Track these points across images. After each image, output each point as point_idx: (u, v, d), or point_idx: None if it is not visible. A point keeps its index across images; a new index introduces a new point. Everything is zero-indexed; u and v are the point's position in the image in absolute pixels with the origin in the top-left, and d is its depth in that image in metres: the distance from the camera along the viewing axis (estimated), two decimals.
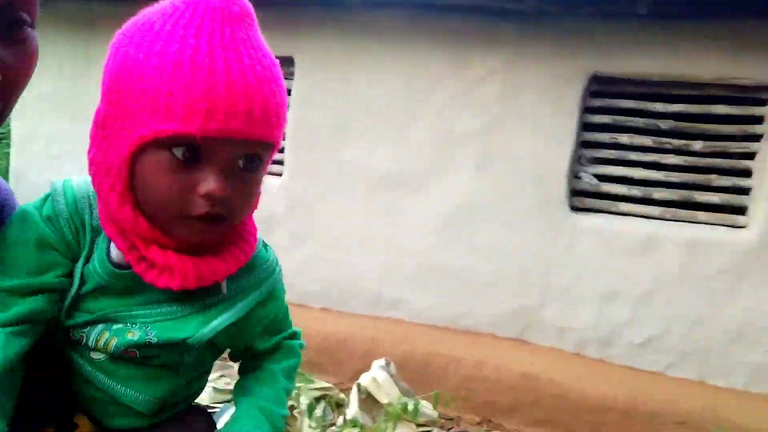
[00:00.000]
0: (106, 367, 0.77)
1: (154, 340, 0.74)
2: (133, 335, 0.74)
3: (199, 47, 0.63)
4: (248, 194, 0.72)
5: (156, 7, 0.68)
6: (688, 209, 3.39)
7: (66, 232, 0.72)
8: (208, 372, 0.94)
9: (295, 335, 0.96)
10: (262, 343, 0.90)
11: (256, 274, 0.83)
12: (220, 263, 0.74)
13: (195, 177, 0.65)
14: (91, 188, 0.74)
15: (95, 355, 0.76)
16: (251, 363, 0.92)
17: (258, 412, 0.82)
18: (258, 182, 0.74)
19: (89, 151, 0.72)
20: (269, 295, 0.84)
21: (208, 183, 0.65)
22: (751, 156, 3.29)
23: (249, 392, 0.86)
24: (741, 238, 3.26)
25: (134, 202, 0.68)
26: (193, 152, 0.65)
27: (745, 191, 3.31)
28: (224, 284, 0.77)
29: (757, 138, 3.28)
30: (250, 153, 0.69)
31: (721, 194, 3.34)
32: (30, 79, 0.70)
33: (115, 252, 0.72)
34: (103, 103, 0.70)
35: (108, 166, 0.68)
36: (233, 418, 0.83)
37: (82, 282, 0.73)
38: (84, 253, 0.73)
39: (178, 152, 0.64)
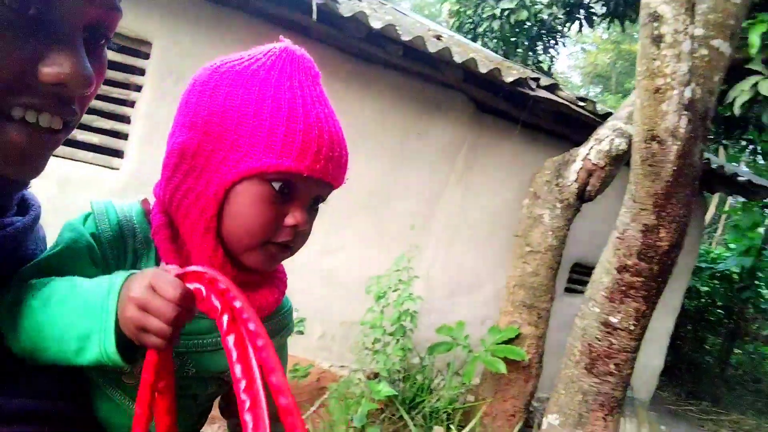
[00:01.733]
0: (134, 395, 0.64)
1: (192, 371, 0.74)
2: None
3: (305, 98, 0.70)
4: (311, 229, 0.76)
5: (250, 53, 0.73)
6: (69, 147, 3.54)
7: (108, 252, 0.71)
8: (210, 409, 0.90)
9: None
10: None
11: (281, 316, 0.86)
12: (265, 299, 0.77)
13: (285, 209, 0.70)
14: (133, 212, 0.75)
15: (127, 380, 0.71)
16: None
17: None
18: (313, 221, 0.77)
19: (168, 180, 0.72)
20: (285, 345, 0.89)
21: (296, 216, 0.71)
22: (131, 104, 3.67)
23: None
24: (114, 178, 3.63)
25: (216, 231, 0.70)
26: (289, 187, 0.70)
27: (123, 136, 3.68)
28: (263, 320, 0.70)
29: (138, 88, 3.66)
30: (324, 193, 0.76)
31: (101, 135, 3.62)
32: None
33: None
34: (192, 134, 0.70)
35: (198, 194, 0.70)
36: None
37: None
38: (126, 267, 0.70)
39: (277, 186, 0.69)
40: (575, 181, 3.60)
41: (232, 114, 0.68)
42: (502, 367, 3.43)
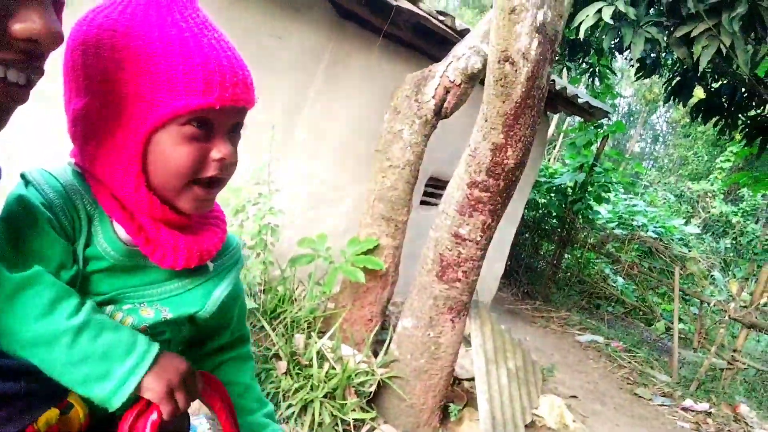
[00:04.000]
0: None
1: (170, 315, 0.76)
2: (148, 313, 0.75)
3: (191, 29, 0.67)
4: (237, 157, 0.76)
5: (114, 1, 0.68)
6: None
7: (63, 221, 0.68)
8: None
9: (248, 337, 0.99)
10: (227, 336, 0.95)
11: (230, 252, 0.87)
12: (210, 241, 0.78)
13: (207, 145, 0.70)
14: (71, 175, 0.72)
15: None
16: (215, 357, 0.95)
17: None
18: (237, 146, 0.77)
19: (83, 147, 0.71)
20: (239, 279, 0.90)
21: (221, 149, 0.71)
22: None
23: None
24: None
25: (146, 181, 0.69)
26: (206, 123, 0.69)
27: None
28: (210, 262, 0.81)
29: None
30: (240, 120, 0.76)
31: None
32: None
33: (121, 232, 0.72)
34: (90, 98, 0.68)
35: (117, 155, 0.68)
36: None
37: (85, 265, 0.71)
38: (82, 239, 0.70)
39: (195, 125, 0.68)
40: (433, 97, 3.69)
41: (127, 66, 0.65)
42: (361, 277, 3.57)
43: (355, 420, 3.15)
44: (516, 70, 2.71)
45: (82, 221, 0.71)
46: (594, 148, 9.08)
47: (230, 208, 3.55)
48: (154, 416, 0.70)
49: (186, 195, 0.72)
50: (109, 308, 0.73)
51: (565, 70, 7.89)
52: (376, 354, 3.62)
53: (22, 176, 0.71)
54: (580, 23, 3.98)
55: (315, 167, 4.47)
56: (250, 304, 3.21)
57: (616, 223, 10.13)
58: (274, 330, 3.48)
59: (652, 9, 4.39)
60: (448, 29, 4.20)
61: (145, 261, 0.74)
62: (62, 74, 0.72)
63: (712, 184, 16.55)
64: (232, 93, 0.69)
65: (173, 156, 0.68)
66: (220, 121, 0.71)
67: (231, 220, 3.58)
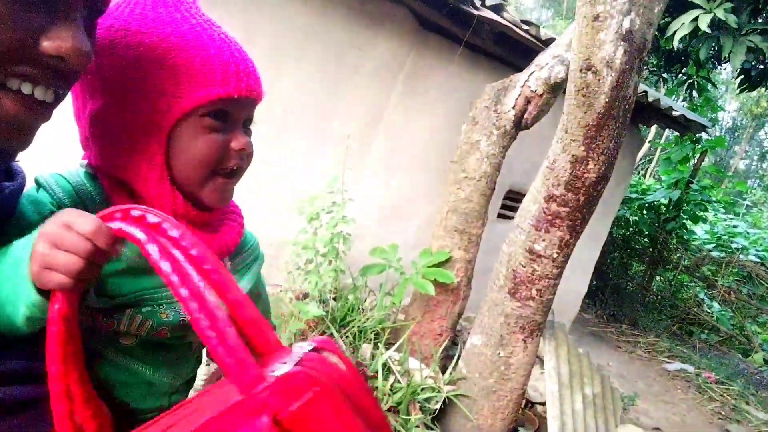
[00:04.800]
0: (135, 351, 0.75)
1: (187, 319, 0.70)
2: (167, 316, 0.74)
3: (201, 24, 0.69)
4: (253, 148, 0.77)
5: (120, 3, 0.69)
6: None
7: None
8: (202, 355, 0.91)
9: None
10: None
11: (248, 250, 0.88)
12: (228, 236, 0.79)
13: (226, 136, 0.71)
14: (83, 177, 0.72)
15: (124, 340, 0.74)
16: None
17: None
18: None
19: (102, 148, 0.71)
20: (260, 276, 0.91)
21: (240, 140, 0.73)
22: None
23: None
24: None
25: (170, 177, 0.69)
26: (224, 114, 0.70)
27: None
28: (227, 260, 0.80)
29: None
30: (252, 112, 0.77)
31: None
32: None
33: None
34: (111, 98, 0.67)
35: (141, 149, 0.68)
36: None
37: None
38: None
39: (213, 116, 0.69)
40: (513, 108, 3.58)
41: (143, 62, 0.66)
42: (431, 289, 3.50)
43: None
44: (599, 80, 2.56)
45: None
46: (691, 164, 8.50)
47: (305, 216, 3.60)
48: (56, 305, 0.54)
49: (209, 186, 0.73)
50: (129, 311, 0.72)
51: (661, 81, 7.46)
52: (444, 370, 3.53)
53: (35, 180, 0.72)
54: (675, 32, 3.73)
55: (390, 178, 4.46)
56: (318, 311, 3.22)
57: (714, 244, 9.41)
58: (342, 338, 3.48)
59: (759, 18, 4.04)
60: (531, 38, 4.07)
61: None
62: None
63: None
64: (246, 83, 0.71)
65: (196, 147, 0.70)
66: (236, 112, 0.73)
67: (305, 227, 3.64)
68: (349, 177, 3.83)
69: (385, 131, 4.29)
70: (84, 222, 0.52)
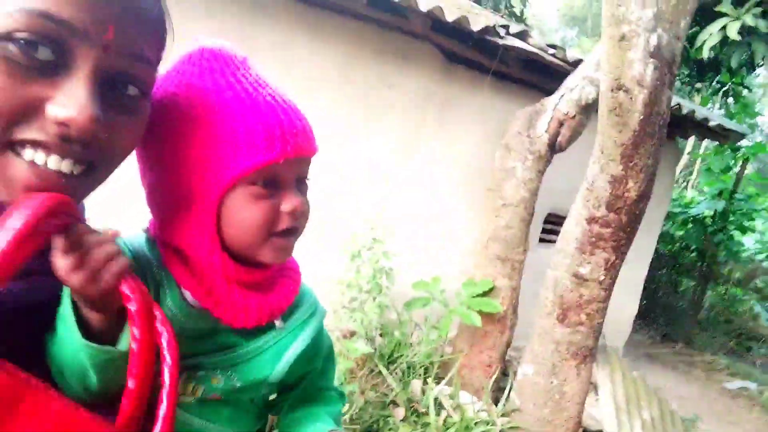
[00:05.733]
0: (194, 410, 0.76)
1: (238, 384, 0.77)
2: (218, 382, 0.75)
3: (246, 90, 0.69)
4: (309, 207, 0.77)
5: (172, 67, 0.72)
6: None
7: None
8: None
9: (341, 394, 0.97)
10: (314, 382, 0.92)
11: (305, 307, 0.86)
12: (281, 294, 0.79)
13: (277, 199, 0.71)
14: (143, 243, 0.75)
15: (183, 399, 0.74)
16: (296, 413, 0.90)
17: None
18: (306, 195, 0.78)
19: (158, 215, 0.74)
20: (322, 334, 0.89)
21: (291, 201, 0.72)
22: None
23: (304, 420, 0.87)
24: None
25: (222, 245, 0.70)
26: (272, 178, 0.70)
27: None
28: (279, 320, 0.80)
29: None
30: (305, 170, 0.76)
31: None
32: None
33: (189, 297, 0.73)
34: (163, 169, 0.70)
35: (191, 219, 0.70)
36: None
37: None
38: None
39: (262, 182, 0.69)
40: (546, 131, 3.57)
41: (189, 136, 0.67)
42: (477, 320, 3.47)
43: None
44: (631, 98, 2.55)
45: (150, 285, 0.72)
46: (733, 173, 8.27)
47: (348, 254, 3.63)
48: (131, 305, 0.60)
49: (266, 247, 0.73)
50: (184, 376, 0.74)
51: (695, 91, 7.35)
52: (496, 402, 3.46)
53: None
54: (704, 42, 3.69)
55: (428, 209, 4.48)
56: (366, 348, 3.22)
57: (765, 254, 9.05)
58: (391, 374, 3.46)
59: None
60: (559, 61, 4.08)
61: (215, 324, 0.75)
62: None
63: None
64: (293, 145, 0.70)
65: (246, 216, 0.70)
66: (285, 174, 0.72)
67: (348, 264, 3.66)
68: (388, 210, 3.87)
69: (421, 162, 4.33)
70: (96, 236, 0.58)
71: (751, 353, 7.93)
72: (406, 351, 3.68)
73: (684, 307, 8.81)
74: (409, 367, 3.57)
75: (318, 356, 0.91)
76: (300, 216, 0.74)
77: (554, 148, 3.64)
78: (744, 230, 8.37)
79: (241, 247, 0.72)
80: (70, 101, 0.52)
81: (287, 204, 0.72)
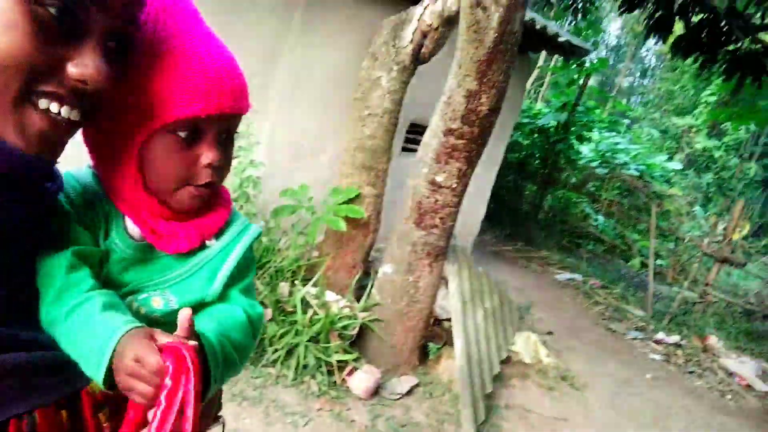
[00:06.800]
0: None
1: (176, 306, 0.79)
2: (158, 303, 0.79)
3: (192, 40, 0.72)
4: (230, 161, 0.81)
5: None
6: None
7: (84, 218, 0.75)
8: None
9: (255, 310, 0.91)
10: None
11: (235, 226, 0.87)
12: (210, 221, 0.82)
13: (196, 152, 0.74)
14: (91, 178, 0.79)
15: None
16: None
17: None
18: (233, 149, 0.81)
19: (91, 153, 0.77)
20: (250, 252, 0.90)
21: (209, 155, 0.74)
22: None
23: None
24: None
25: (143, 184, 0.74)
26: (194, 132, 0.73)
27: None
28: (213, 240, 0.83)
29: None
30: (232, 125, 0.78)
31: None
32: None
33: (130, 227, 0.77)
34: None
35: (115, 160, 0.73)
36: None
37: (107, 256, 0.77)
38: (101, 233, 0.77)
39: (182, 134, 0.72)
40: (410, 42, 3.67)
41: (129, 78, 0.69)
42: (343, 226, 3.65)
43: (339, 361, 3.30)
44: (488, 16, 2.71)
45: (100, 217, 0.77)
46: (577, 86, 9.05)
47: None
48: (131, 414, 0.68)
49: (179, 195, 0.76)
50: (129, 298, 0.78)
51: (548, 6, 7.77)
52: (359, 299, 3.75)
53: None
54: None
55: (295, 118, 4.46)
56: None
57: (599, 162, 10.23)
58: (259, 279, 3.58)
59: None
60: None
61: (154, 252, 0.79)
62: None
63: (696, 119, 16.56)
64: (219, 101, 0.72)
65: (162, 164, 0.73)
66: (209, 127, 0.74)
67: None
68: (253, 119, 3.80)
69: (287, 69, 4.25)
70: (150, 363, 0.62)
71: (580, 249, 9.12)
72: (275, 257, 3.80)
73: (526, 210, 9.79)
74: (277, 272, 3.71)
75: (249, 273, 0.93)
76: (217, 170, 0.77)
77: (418, 59, 3.76)
78: (582, 140, 9.31)
79: (157, 191, 0.75)
80: (88, 61, 0.61)
81: (206, 157, 0.74)
